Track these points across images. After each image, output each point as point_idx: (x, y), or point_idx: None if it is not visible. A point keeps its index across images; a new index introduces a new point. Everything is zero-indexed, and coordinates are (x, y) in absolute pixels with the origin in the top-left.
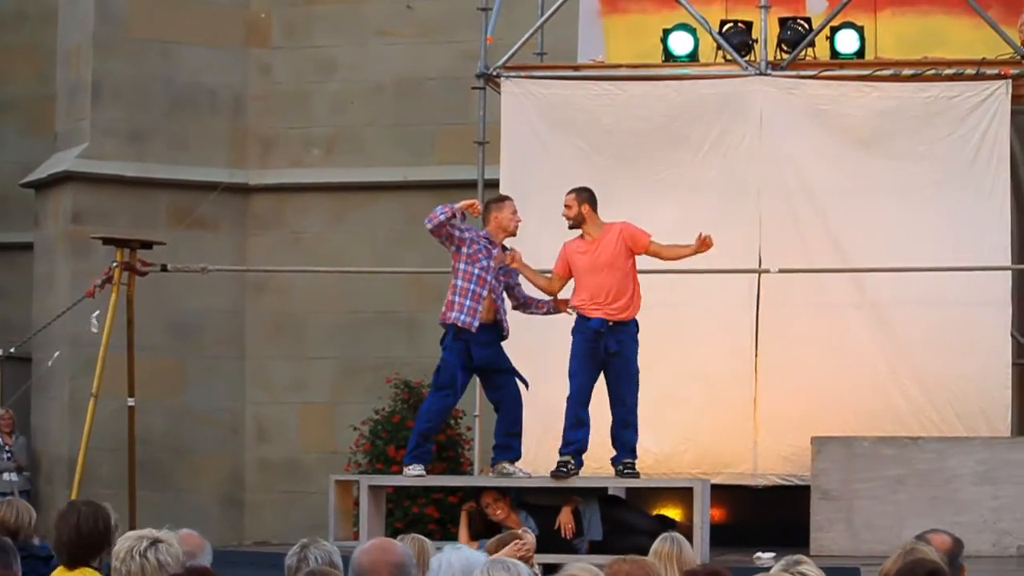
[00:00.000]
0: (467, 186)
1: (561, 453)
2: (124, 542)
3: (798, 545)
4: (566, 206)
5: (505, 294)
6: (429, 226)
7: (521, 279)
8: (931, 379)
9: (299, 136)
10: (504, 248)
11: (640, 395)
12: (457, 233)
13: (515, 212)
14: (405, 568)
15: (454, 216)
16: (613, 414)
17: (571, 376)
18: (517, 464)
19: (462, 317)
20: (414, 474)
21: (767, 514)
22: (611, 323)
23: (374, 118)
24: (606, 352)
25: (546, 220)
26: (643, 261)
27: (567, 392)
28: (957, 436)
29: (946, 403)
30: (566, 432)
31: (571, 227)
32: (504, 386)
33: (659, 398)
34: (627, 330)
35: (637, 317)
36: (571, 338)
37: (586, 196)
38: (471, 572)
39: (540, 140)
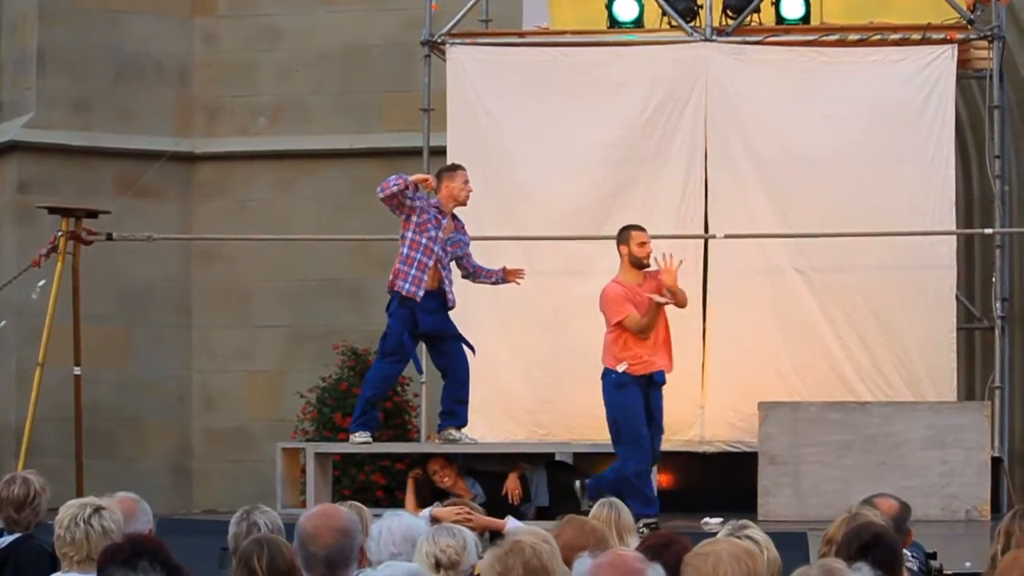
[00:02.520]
0: (413, 153)
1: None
2: (67, 510)
3: (745, 510)
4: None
5: (454, 264)
6: (381, 195)
7: (471, 250)
8: (877, 344)
9: (245, 104)
10: (455, 218)
11: (590, 361)
12: (408, 202)
13: (467, 182)
14: (350, 533)
15: (407, 188)
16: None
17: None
18: (464, 431)
19: (406, 286)
20: (360, 441)
21: (714, 479)
22: None
23: (320, 86)
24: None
25: (491, 187)
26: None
27: (513, 359)
28: (904, 401)
29: (892, 368)
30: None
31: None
32: (451, 353)
33: None
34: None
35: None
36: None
37: None
38: (411, 539)
39: (485, 107)
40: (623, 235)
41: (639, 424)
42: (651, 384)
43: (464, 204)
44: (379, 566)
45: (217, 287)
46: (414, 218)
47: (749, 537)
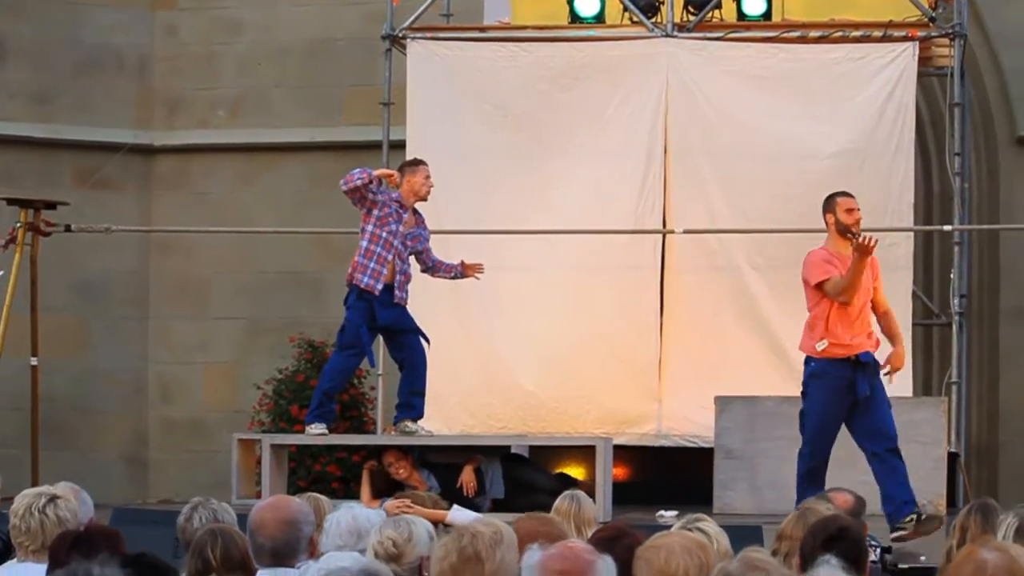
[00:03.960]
0: (373, 147)
1: None
2: (22, 499)
3: (701, 504)
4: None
5: (413, 259)
6: (344, 188)
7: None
8: None
9: (205, 97)
10: (415, 212)
11: (547, 355)
12: (371, 196)
13: (428, 177)
14: (296, 525)
15: (371, 182)
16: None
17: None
18: (420, 423)
19: (365, 279)
20: (316, 433)
21: (670, 473)
22: None
23: (280, 79)
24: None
25: (450, 181)
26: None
27: (469, 352)
28: None
29: None
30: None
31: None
32: (408, 346)
33: (564, 358)
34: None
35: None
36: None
37: None
38: (357, 531)
39: (446, 102)
40: (828, 203)
41: (827, 420)
42: (858, 366)
43: (425, 199)
44: (323, 557)
45: (175, 279)
46: (375, 212)
47: (700, 529)
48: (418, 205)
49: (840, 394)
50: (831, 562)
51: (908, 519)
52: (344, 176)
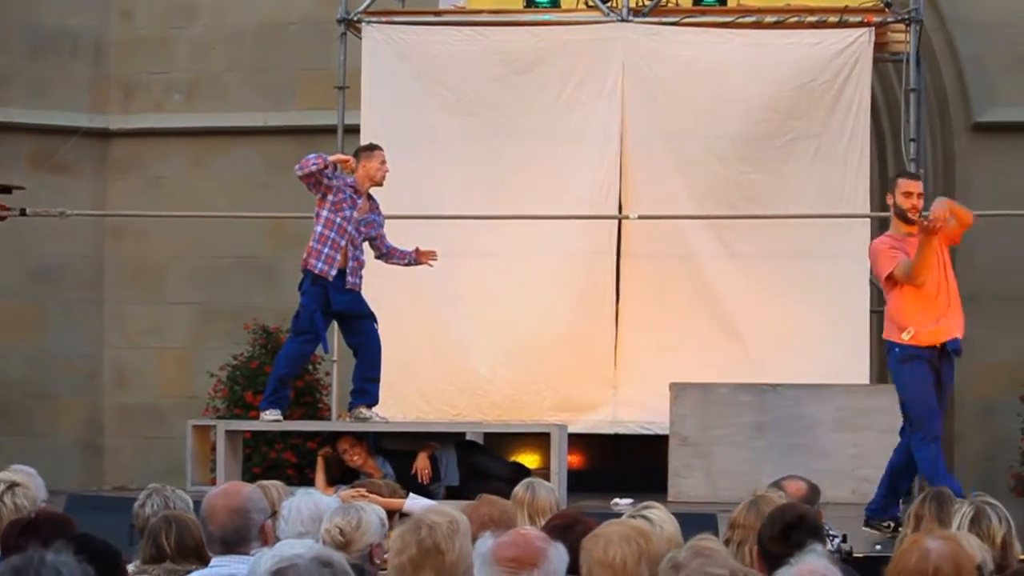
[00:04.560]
0: (327, 132)
1: None
2: None
3: (656, 491)
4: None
5: (368, 245)
6: (299, 173)
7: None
8: (791, 327)
9: (160, 81)
10: (370, 198)
11: (502, 341)
12: (325, 181)
13: (383, 162)
14: (245, 513)
15: (326, 167)
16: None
17: None
18: (375, 409)
19: (319, 265)
20: (271, 419)
21: (626, 460)
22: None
23: (235, 63)
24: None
25: (405, 166)
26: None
27: (425, 339)
28: (816, 383)
29: (806, 351)
30: None
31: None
32: (363, 331)
33: (519, 344)
34: None
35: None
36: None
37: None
38: (319, 518)
39: (401, 86)
40: (891, 184)
41: (927, 397)
42: (943, 354)
43: (380, 184)
44: (278, 544)
45: (130, 264)
46: (330, 197)
47: (645, 516)
48: (373, 190)
49: (930, 372)
50: (817, 550)
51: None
52: (299, 161)
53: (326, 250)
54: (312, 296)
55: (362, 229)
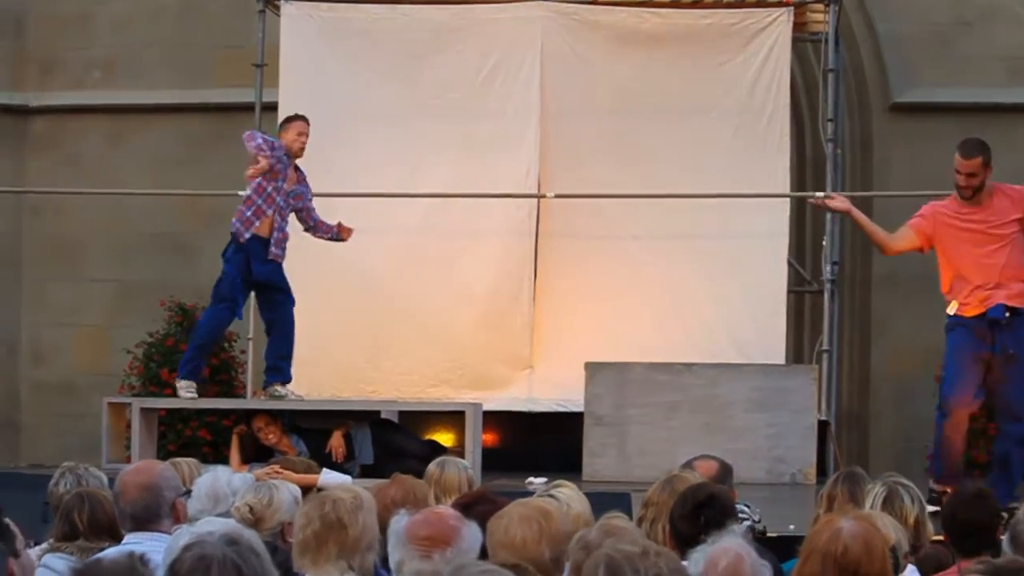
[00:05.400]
0: (246, 109)
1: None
2: None
3: (571, 470)
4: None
5: (295, 217)
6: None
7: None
8: (707, 307)
9: (79, 58)
10: (297, 169)
11: (418, 319)
12: (266, 150)
13: (300, 134)
14: (155, 490)
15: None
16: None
17: None
18: (290, 387)
19: (237, 224)
20: (187, 395)
21: (541, 439)
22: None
23: (154, 41)
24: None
25: (323, 144)
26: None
27: (340, 316)
28: (731, 363)
29: (722, 331)
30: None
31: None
32: (279, 306)
33: (434, 322)
34: None
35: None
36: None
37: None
38: (218, 496)
39: (319, 64)
40: None
41: (958, 369)
42: (993, 324)
43: (297, 156)
44: (198, 523)
45: (48, 241)
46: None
47: (553, 496)
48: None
49: (973, 342)
50: (736, 531)
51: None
52: (246, 135)
53: (248, 213)
54: (235, 264)
55: (290, 201)
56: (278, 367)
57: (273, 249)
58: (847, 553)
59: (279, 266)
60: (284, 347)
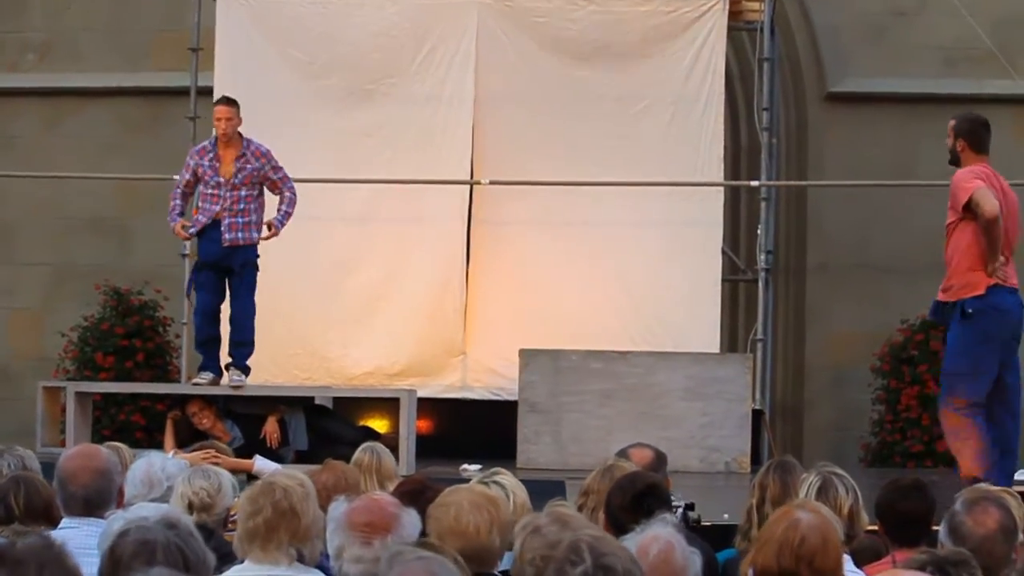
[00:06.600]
0: (181, 93)
1: None
2: None
3: (505, 458)
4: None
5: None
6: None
7: None
8: (642, 295)
9: (14, 41)
10: (238, 150)
11: (352, 305)
12: (189, 177)
13: (217, 119)
14: (108, 474)
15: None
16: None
17: None
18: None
19: (191, 229)
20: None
21: (475, 426)
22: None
23: (89, 23)
24: None
25: (258, 129)
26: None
27: (275, 302)
28: (666, 351)
29: (656, 319)
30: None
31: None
32: (232, 291)
33: (368, 309)
34: None
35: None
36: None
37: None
38: (152, 481)
39: (255, 48)
40: None
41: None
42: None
43: (223, 138)
44: (131, 507)
45: None
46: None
47: (498, 483)
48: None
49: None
50: (666, 519)
51: None
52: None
53: (199, 216)
54: (199, 251)
55: (237, 184)
56: (231, 353)
57: (227, 235)
58: (804, 543)
59: (231, 250)
60: (233, 333)
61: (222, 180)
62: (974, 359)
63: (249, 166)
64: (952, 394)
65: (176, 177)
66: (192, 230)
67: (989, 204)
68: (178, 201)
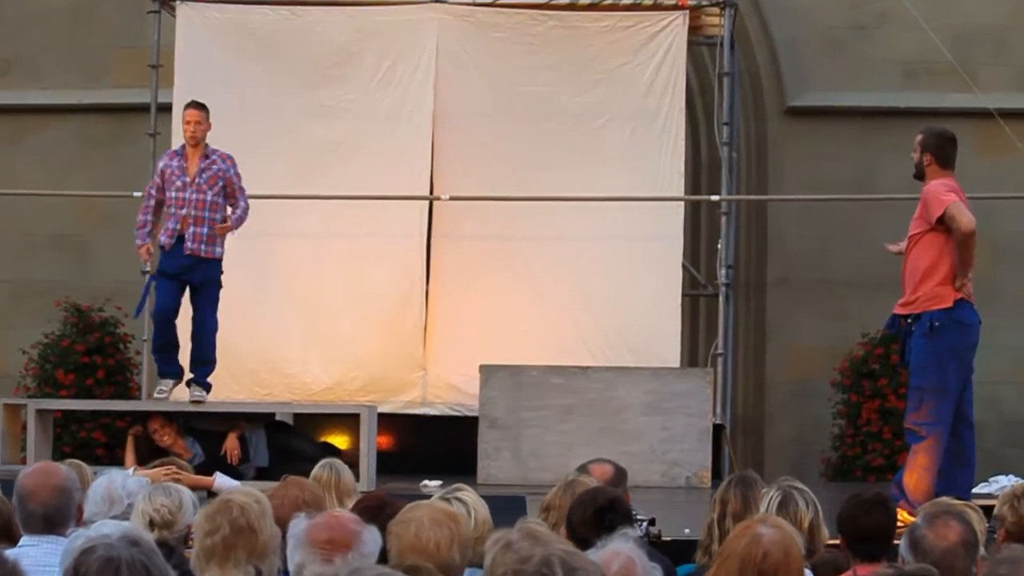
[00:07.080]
0: (141, 110)
1: None
2: None
3: (466, 473)
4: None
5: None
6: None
7: None
8: (602, 310)
9: None
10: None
11: (312, 322)
12: (155, 192)
13: (186, 122)
14: (67, 492)
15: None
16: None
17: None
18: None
19: (162, 238)
20: (159, 391)
21: (435, 442)
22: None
23: (49, 41)
24: None
25: (219, 145)
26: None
27: (236, 317)
28: (626, 366)
29: (617, 334)
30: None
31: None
32: (195, 306)
33: (329, 325)
34: None
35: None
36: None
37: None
38: (113, 498)
39: (215, 65)
40: None
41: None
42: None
43: (192, 143)
44: (92, 525)
45: None
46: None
47: (458, 499)
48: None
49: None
50: (627, 534)
51: None
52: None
53: (168, 224)
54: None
55: (204, 187)
56: (192, 371)
57: (189, 244)
58: (766, 559)
59: (195, 262)
60: (194, 351)
61: (188, 180)
62: (942, 375)
63: (215, 166)
64: (918, 409)
65: (138, 194)
66: (165, 240)
67: (966, 218)
68: (149, 217)
